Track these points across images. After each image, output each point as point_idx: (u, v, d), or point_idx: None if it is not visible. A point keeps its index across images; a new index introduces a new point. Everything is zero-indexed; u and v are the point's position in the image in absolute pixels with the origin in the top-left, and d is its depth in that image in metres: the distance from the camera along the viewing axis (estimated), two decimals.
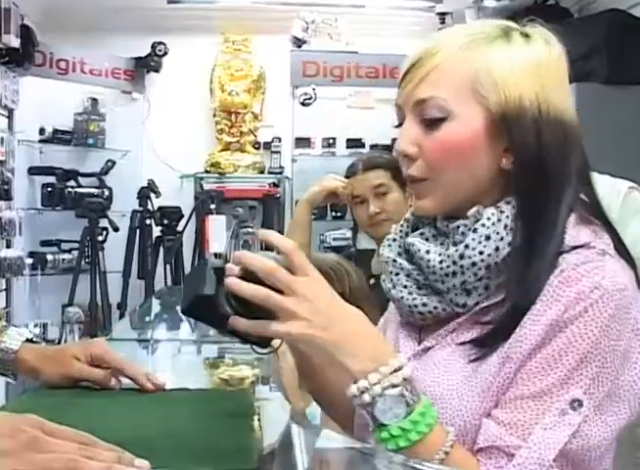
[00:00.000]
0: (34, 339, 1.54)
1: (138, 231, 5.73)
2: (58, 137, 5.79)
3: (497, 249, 1.09)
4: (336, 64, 5.97)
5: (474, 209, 1.12)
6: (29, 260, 5.62)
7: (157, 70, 6.13)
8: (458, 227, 1.13)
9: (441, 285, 1.13)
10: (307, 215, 2.73)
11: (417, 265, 1.17)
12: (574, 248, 1.09)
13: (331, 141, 6.07)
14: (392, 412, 1.01)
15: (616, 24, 4.39)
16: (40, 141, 5.79)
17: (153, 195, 5.75)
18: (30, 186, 5.85)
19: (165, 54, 6.07)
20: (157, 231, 5.87)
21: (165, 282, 5.70)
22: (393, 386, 1.01)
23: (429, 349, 1.16)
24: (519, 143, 1.10)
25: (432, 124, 1.12)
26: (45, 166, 5.83)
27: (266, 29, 6.05)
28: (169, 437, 1.14)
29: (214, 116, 6.16)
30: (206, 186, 6.03)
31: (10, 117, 5.35)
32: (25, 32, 5.04)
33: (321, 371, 1.29)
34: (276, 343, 1.13)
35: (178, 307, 2.77)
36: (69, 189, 5.76)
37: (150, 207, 5.77)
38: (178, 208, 5.86)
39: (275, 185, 6.09)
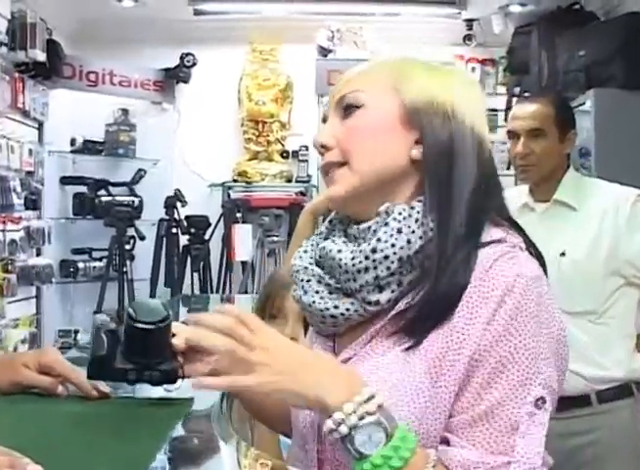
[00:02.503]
0: None
1: (165, 240, 5.81)
2: (89, 147, 5.90)
3: (409, 241, 1.11)
4: None
5: (384, 205, 1.15)
6: (61, 268, 5.77)
7: (186, 81, 6.21)
8: (369, 228, 1.15)
9: (354, 283, 1.13)
10: (310, 225, 2.75)
11: (328, 269, 1.18)
12: (489, 243, 1.12)
13: None
14: (372, 442, 0.99)
15: (634, 28, 4.31)
16: (71, 151, 5.92)
17: (179, 204, 5.83)
18: (62, 195, 5.98)
19: (194, 65, 6.15)
20: (184, 240, 5.94)
21: (192, 290, 5.78)
22: (369, 413, 0.99)
23: (347, 359, 1.16)
24: (428, 134, 1.15)
25: (348, 115, 1.18)
26: (76, 176, 5.95)
27: (293, 39, 6.10)
28: (78, 444, 1.18)
29: (242, 125, 6.22)
30: (234, 195, 6.09)
31: (40, 128, 5.46)
32: (52, 46, 5.16)
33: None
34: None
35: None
36: (101, 198, 5.86)
37: (176, 215, 5.85)
38: (205, 216, 5.93)
39: (302, 194, 6.11)
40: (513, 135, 2.62)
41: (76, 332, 5.74)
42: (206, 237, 5.91)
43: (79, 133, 5.90)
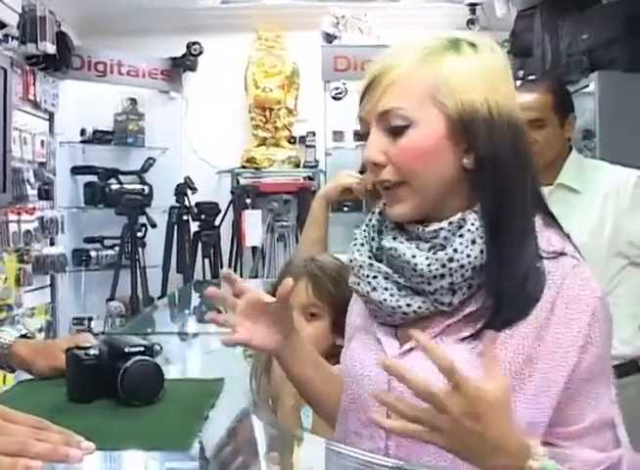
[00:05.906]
0: (28, 334, 1.68)
1: (176, 227, 5.88)
2: (98, 137, 5.97)
3: (482, 251, 1.19)
4: (366, 58, 5.97)
5: (458, 215, 1.21)
6: (74, 257, 5.85)
7: (192, 70, 6.27)
8: (436, 231, 1.21)
9: (427, 286, 1.20)
10: (324, 210, 2.77)
11: (395, 268, 1.24)
12: (552, 254, 1.20)
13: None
14: None
15: (637, 11, 4.34)
16: (81, 142, 5.98)
17: (189, 191, 5.89)
18: (73, 185, 6.06)
19: (200, 53, 6.20)
20: (195, 226, 6.02)
21: (204, 276, 5.86)
22: None
23: (410, 350, 1.23)
24: (475, 141, 1.19)
25: (396, 133, 1.20)
26: (87, 166, 6.02)
27: (298, 26, 6.14)
28: (124, 422, 1.27)
29: (249, 112, 6.28)
30: (243, 181, 6.16)
31: (50, 119, 5.54)
32: (62, 38, 5.21)
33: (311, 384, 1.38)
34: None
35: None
36: (111, 187, 5.92)
37: (187, 202, 5.92)
38: (215, 203, 6.00)
39: (310, 178, 6.18)
40: None
41: (90, 319, 5.81)
42: (217, 223, 5.99)
43: (89, 123, 5.98)
